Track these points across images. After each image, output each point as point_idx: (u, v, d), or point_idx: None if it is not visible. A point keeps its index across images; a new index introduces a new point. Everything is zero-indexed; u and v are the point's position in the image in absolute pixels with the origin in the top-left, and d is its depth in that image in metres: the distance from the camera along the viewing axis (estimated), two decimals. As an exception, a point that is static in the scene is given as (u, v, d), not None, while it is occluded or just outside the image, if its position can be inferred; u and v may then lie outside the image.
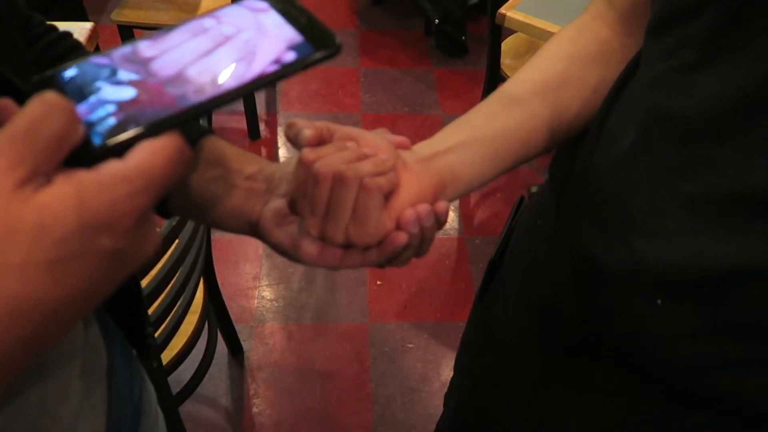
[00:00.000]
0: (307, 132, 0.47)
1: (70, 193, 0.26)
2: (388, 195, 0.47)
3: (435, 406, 1.65)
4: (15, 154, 0.25)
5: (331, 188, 0.45)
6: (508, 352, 0.71)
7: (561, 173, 0.61)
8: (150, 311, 1.05)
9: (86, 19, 2.60)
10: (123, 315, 0.58)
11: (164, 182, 0.28)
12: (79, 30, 1.33)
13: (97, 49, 1.46)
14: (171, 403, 1.24)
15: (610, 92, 0.55)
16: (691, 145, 0.45)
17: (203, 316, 1.29)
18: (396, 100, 2.58)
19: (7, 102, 0.28)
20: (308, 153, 0.46)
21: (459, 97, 2.59)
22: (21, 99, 0.27)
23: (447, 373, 1.71)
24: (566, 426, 0.63)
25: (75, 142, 0.27)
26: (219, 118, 2.43)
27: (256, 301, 1.86)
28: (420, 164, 0.51)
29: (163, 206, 0.52)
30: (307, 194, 0.46)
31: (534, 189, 0.71)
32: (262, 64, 0.32)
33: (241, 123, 2.34)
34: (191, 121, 0.31)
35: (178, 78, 0.31)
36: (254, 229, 0.50)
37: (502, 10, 1.77)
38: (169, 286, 1.07)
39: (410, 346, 1.78)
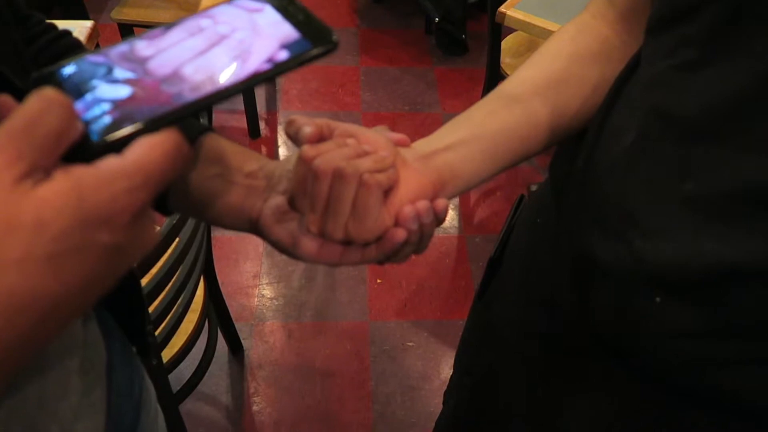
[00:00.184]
0: (307, 129, 0.47)
1: (69, 188, 0.26)
2: (388, 192, 0.48)
3: (435, 404, 1.65)
4: (13, 150, 0.25)
5: (331, 185, 0.45)
6: (508, 351, 0.71)
7: (561, 172, 0.61)
8: (150, 309, 1.05)
9: (86, 18, 2.60)
10: (123, 313, 0.58)
11: (162, 178, 0.28)
12: (80, 28, 1.33)
13: (97, 48, 1.46)
14: (171, 401, 1.24)
15: (611, 91, 0.55)
16: (692, 143, 0.45)
17: (203, 315, 1.29)
18: (396, 98, 2.57)
19: (6, 98, 0.28)
20: (308, 150, 0.46)
21: (459, 96, 2.59)
22: (20, 98, 0.27)
23: (447, 371, 1.71)
24: (566, 424, 0.63)
25: (73, 138, 0.27)
26: (219, 117, 2.43)
27: (256, 299, 1.86)
28: (419, 161, 0.51)
29: (163, 204, 0.52)
30: (307, 191, 0.46)
31: (534, 187, 0.71)
32: (258, 60, 0.33)
33: (242, 122, 2.34)
34: (188, 117, 0.31)
35: (175, 76, 0.31)
36: (254, 227, 0.50)
37: (503, 8, 1.77)
38: (170, 284, 1.07)
39: (410, 344, 1.78)
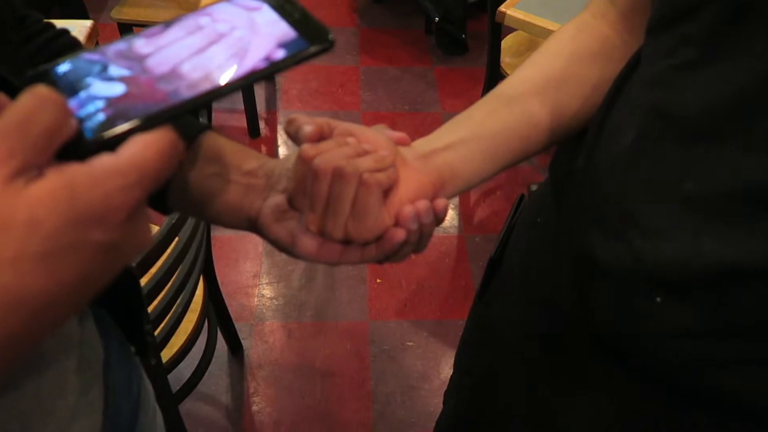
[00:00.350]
0: (308, 128, 0.47)
1: (62, 186, 0.26)
2: (388, 191, 0.48)
3: (435, 404, 1.65)
4: (6, 147, 0.25)
5: (331, 184, 0.45)
6: (508, 351, 0.71)
7: (561, 171, 0.61)
8: (150, 309, 1.05)
9: (86, 17, 2.60)
10: (121, 312, 0.58)
11: (157, 176, 0.28)
12: (79, 28, 1.33)
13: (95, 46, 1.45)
14: (171, 401, 1.24)
15: (611, 90, 0.55)
16: (692, 143, 0.44)
17: (203, 314, 1.29)
18: (396, 98, 2.57)
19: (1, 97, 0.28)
20: (308, 148, 0.46)
21: (459, 96, 2.59)
22: (16, 97, 0.27)
23: (447, 371, 1.71)
24: (565, 425, 0.63)
25: (67, 135, 0.27)
26: (219, 117, 2.43)
27: (256, 299, 1.86)
28: (419, 161, 0.51)
29: (162, 202, 0.52)
30: (307, 190, 0.46)
31: (534, 187, 0.71)
32: (255, 58, 0.33)
33: (241, 121, 2.34)
34: (184, 115, 0.31)
35: (171, 74, 0.31)
36: (253, 225, 0.50)
37: (502, 8, 1.77)
38: (169, 284, 1.07)
39: (410, 344, 1.78)
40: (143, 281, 1.00)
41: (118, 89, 0.30)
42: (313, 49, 0.34)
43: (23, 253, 0.25)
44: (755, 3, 0.40)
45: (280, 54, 0.33)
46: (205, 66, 0.32)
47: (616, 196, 0.50)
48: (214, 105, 2.03)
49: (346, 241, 0.47)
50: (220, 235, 1.95)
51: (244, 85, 0.32)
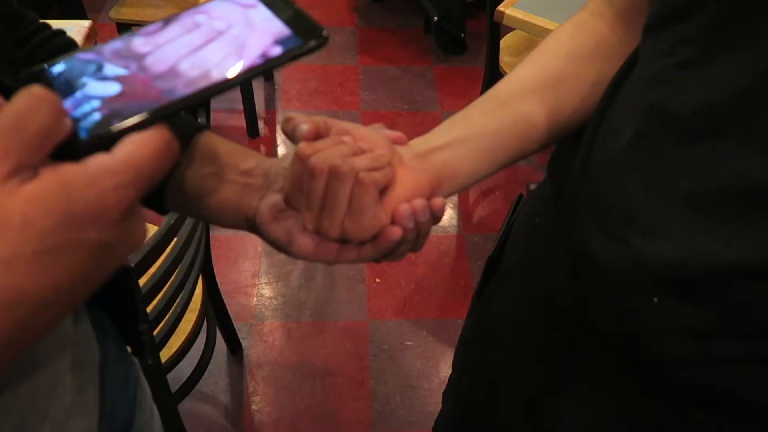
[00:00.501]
0: (304, 126, 0.47)
1: (57, 186, 0.26)
2: (384, 190, 0.48)
3: (434, 403, 1.64)
4: (0, 147, 0.25)
5: (327, 183, 0.45)
6: (507, 349, 0.71)
7: (559, 170, 0.61)
8: (149, 309, 1.05)
9: (85, 17, 2.60)
10: (116, 311, 0.58)
11: (151, 175, 0.28)
12: (78, 28, 1.32)
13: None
14: (170, 400, 1.24)
15: (608, 89, 0.55)
16: (690, 141, 0.44)
17: (202, 314, 1.29)
18: (395, 97, 2.57)
19: None
20: (304, 147, 0.46)
21: (459, 95, 2.59)
22: (9, 97, 0.27)
23: (446, 370, 1.71)
24: (565, 423, 0.63)
25: (62, 136, 0.27)
26: (218, 116, 2.43)
27: (255, 298, 1.86)
28: (416, 160, 0.51)
29: (159, 202, 0.52)
30: (303, 189, 0.46)
31: (533, 186, 0.71)
32: (250, 55, 0.33)
33: (240, 121, 2.34)
34: (179, 113, 0.31)
35: (166, 72, 0.31)
36: (251, 225, 0.50)
37: (501, 7, 1.77)
38: (168, 283, 1.07)
39: (409, 343, 1.78)
40: (142, 281, 1.00)
41: (113, 88, 0.30)
42: (307, 46, 0.34)
43: (18, 253, 0.25)
44: (754, 1, 0.40)
45: (275, 51, 0.33)
46: (200, 64, 0.32)
47: (615, 196, 0.50)
48: (213, 105, 2.03)
49: (343, 240, 0.47)
50: (219, 234, 1.95)
51: (238, 83, 0.32)
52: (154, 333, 1.10)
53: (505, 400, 0.73)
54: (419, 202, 0.48)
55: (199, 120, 1.01)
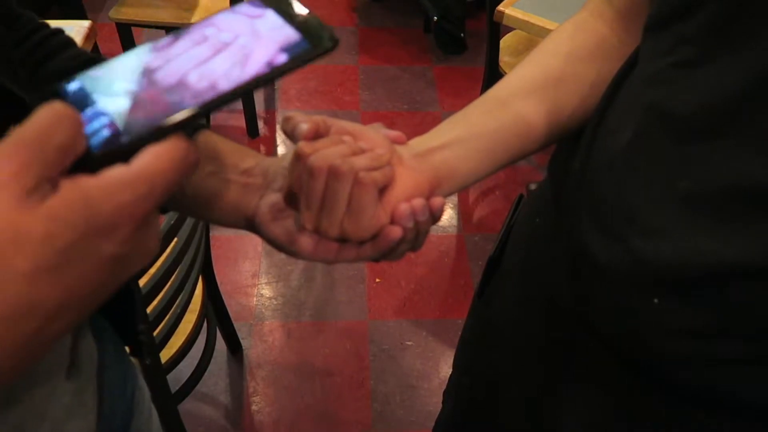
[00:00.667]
0: (304, 126, 0.47)
1: (77, 200, 0.26)
2: (384, 189, 0.48)
3: (434, 403, 1.65)
4: (23, 160, 0.26)
5: (326, 182, 0.45)
6: (507, 349, 0.71)
7: (560, 170, 0.61)
8: (149, 310, 1.05)
9: (84, 18, 2.60)
10: (114, 312, 0.58)
11: (168, 187, 0.29)
12: (77, 28, 1.32)
13: (95, 48, 1.45)
14: (170, 401, 1.24)
15: (608, 89, 0.55)
16: (690, 141, 0.44)
17: (202, 314, 1.29)
18: (395, 97, 2.57)
19: None
20: (304, 146, 0.46)
21: (458, 95, 2.59)
22: (7, 96, 0.27)
23: (446, 370, 1.71)
24: (565, 423, 0.63)
25: (80, 151, 0.28)
26: (218, 116, 2.43)
27: (255, 298, 1.86)
28: (416, 159, 0.51)
29: None
30: (303, 188, 0.46)
31: (533, 186, 0.71)
32: (258, 63, 0.33)
33: (240, 121, 2.34)
34: (188, 126, 0.31)
35: (176, 85, 0.32)
36: (250, 224, 0.50)
37: (501, 7, 1.77)
38: (168, 284, 1.07)
39: (409, 343, 1.78)
40: (142, 282, 1.00)
41: (123, 104, 0.31)
42: (316, 51, 0.34)
43: (38, 267, 0.26)
44: (754, 1, 0.40)
45: (285, 56, 0.33)
46: (209, 75, 0.32)
47: (615, 196, 0.50)
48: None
49: (342, 240, 0.47)
50: (219, 234, 1.95)
51: (248, 91, 0.32)
52: (155, 333, 1.10)
53: (505, 400, 0.73)
54: (418, 202, 0.48)
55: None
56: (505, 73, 1.96)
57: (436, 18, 2.66)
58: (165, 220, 0.98)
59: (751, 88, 0.41)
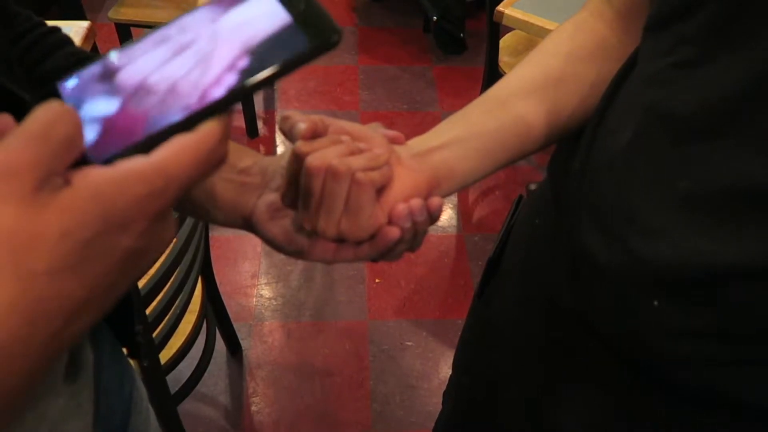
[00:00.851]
0: (302, 125, 0.47)
1: (90, 195, 0.26)
2: (382, 189, 0.48)
3: (434, 403, 1.65)
4: (32, 154, 0.25)
5: (324, 182, 0.45)
6: (507, 349, 0.71)
7: (560, 170, 0.61)
8: (148, 310, 1.05)
9: (84, 18, 2.60)
10: (111, 314, 0.58)
11: (187, 183, 0.28)
12: (76, 28, 1.32)
13: (94, 48, 1.45)
14: (169, 401, 1.24)
15: (608, 89, 0.55)
16: (689, 141, 0.44)
17: (202, 315, 1.29)
18: (395, 97, 2.57)
19: (6, 118, 0.28)
20: (302, 146, 0.46)
21: (458, 95, 2.59)
22: (6, 96, 0.27)
23: (446, 370, 1.71)
24: (565, 423, 0.63)
25: (83, 146, 0.28)
26: (217, 117, 2.43)
27: (254, 299, 1.86)
28: (414, 159, 0.51)
29: None
30: (300, 188, 0.46)
31: (533, 186, 0.71)
32: (260, 64, 0.32)
33: (240, 121, 2.34)
34: (185, 131, 0.30)
35: (171, 89, 0.31)
36: (248, 223, 0.50)
37: (501, 7, 1.77)
38: (168, 284, 1.07)
39: (409, 343, 1.78)
40: (141, 282, 1.00)
41: (113, 106, 0.30)
42: (318, 49, 0.33)
43: (55, 265, 0.25)
44: (754, 1, 0.40)
45: (287, 54, 0.33)
46: (206, 78, 0.31)
47: (614, 196, 0.50)
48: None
49: (340, 240, 0.47)
50: (218, 235, 1.95)
51: (252, 92, 0.32)
52: (154, 334, 1.10)
53: (505, 400, 0.73)
54: (416, 202, 0.48)
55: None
56: (505, 73, 1.96)
57: (435, 18, 2.66)
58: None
59: (751, 88, 0.41)
